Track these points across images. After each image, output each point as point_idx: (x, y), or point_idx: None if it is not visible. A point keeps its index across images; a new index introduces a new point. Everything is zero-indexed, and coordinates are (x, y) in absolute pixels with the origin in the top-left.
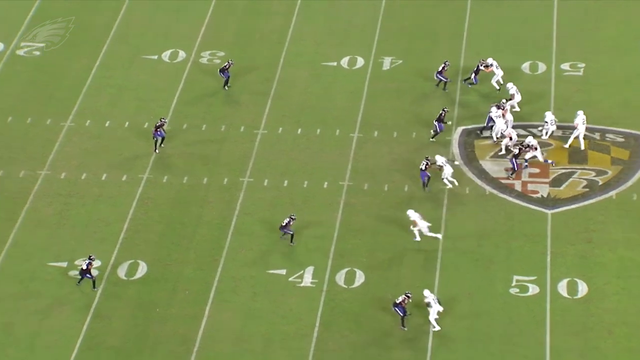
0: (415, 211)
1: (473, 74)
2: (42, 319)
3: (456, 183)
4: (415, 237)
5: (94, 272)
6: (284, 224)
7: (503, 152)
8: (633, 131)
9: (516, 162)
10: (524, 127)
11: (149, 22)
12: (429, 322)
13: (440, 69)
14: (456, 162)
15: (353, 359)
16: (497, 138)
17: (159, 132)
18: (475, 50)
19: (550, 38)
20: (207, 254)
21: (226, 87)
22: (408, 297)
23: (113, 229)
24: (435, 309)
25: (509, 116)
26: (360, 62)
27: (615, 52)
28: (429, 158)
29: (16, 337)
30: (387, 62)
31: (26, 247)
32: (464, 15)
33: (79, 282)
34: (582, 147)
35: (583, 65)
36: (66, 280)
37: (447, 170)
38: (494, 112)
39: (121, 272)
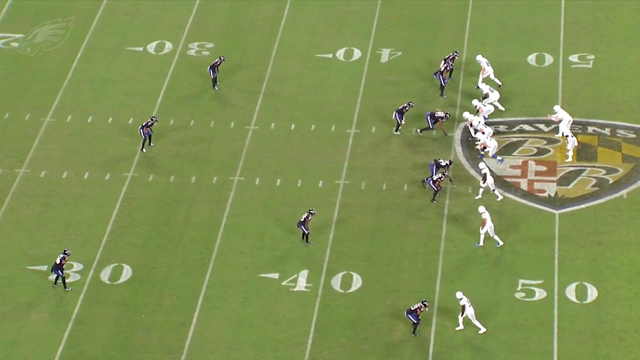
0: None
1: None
2: (21, 327)
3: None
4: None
5: (76, 276)
6: (302, 220)
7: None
8: None
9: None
10: (529, 123)
11: (134, 10)
12: (465, 324)
13: (442, 68)
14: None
15: None
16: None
17: (148, 131)
18: (480, 40)
19: (557, 28)
20: (195, 258)
21: (216, 88)
22: (425, 305)
23: (96, 231)
24: (470, 311)
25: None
26: (357, 54)
27: (628, 43)
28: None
29: None
30: (385, 54)
31: (3, 251)
32: (467, 3)
33: (55, 283)
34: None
35: (592, 57)
36: (45, 285)
37: (490, 180)
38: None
39: (104, 276)
